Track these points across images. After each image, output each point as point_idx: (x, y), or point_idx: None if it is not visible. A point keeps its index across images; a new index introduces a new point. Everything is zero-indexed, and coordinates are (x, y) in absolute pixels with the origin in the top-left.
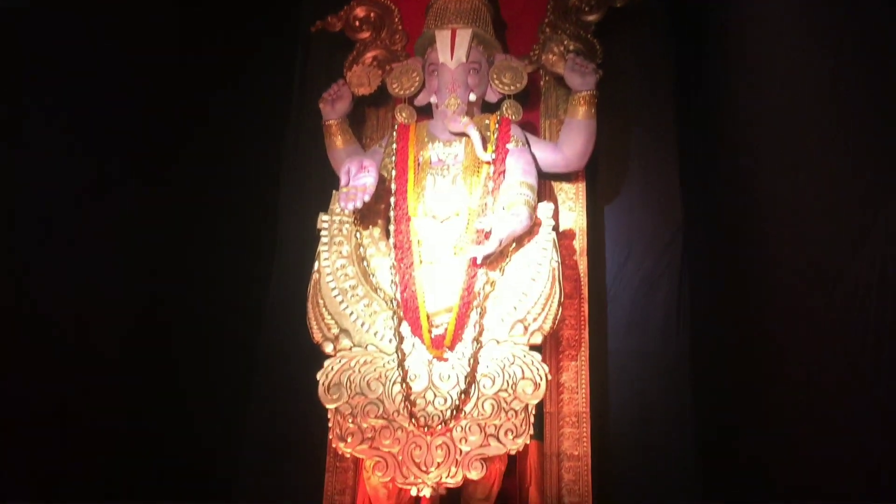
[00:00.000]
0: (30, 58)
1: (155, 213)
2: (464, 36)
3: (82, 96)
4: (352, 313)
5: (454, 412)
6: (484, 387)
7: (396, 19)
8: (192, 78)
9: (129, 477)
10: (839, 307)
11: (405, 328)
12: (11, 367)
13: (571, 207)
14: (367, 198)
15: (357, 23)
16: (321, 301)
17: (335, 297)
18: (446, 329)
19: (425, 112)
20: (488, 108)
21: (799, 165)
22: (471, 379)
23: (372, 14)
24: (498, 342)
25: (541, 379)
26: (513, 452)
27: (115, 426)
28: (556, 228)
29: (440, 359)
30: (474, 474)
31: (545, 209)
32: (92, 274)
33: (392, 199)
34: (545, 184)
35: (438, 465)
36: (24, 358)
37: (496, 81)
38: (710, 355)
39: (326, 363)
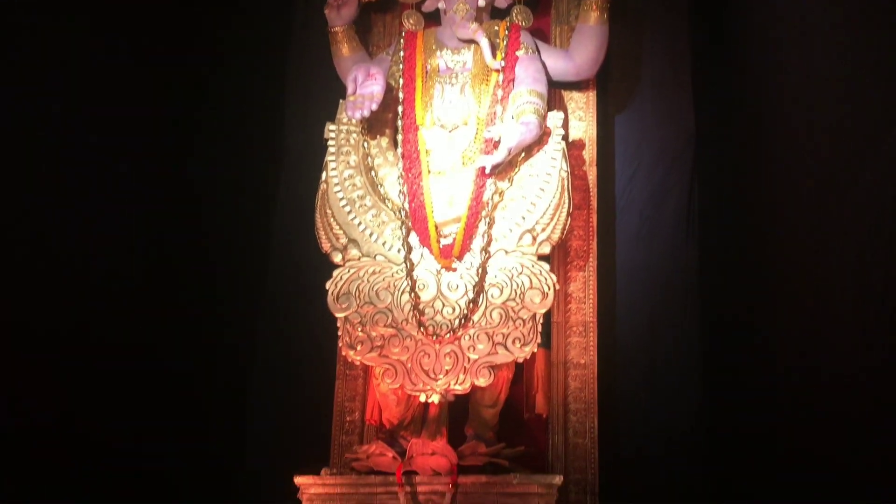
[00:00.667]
0: None
1: (159, 125)
2: None
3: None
4: (360, 223)
5: (462, 321)
6: (492, 296)
7: None
8: None
9: (137, 392)
10: (850, 215)
11: (413, 238)
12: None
13: (581, 117)
14: (374, 106)
15: None
16: (329, 211)
17: (343, 207)
18: (454, 239)
19: (433, 18)
20: (498, 14)
21: (813, 73)
22: (479, 288)
23: None
24: (506, 252)
25: (549, 289)
26: (520, 360)
27: (124, 344)
28: (565, 138)
29: (448, 269)
30: (482, 381)
31: (555, 118)
32: (93, 188)
33: (400, 109)
34: (555, 92)
35: (447, 372)
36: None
37: None
38: (719, 267)
39: (335, 273)
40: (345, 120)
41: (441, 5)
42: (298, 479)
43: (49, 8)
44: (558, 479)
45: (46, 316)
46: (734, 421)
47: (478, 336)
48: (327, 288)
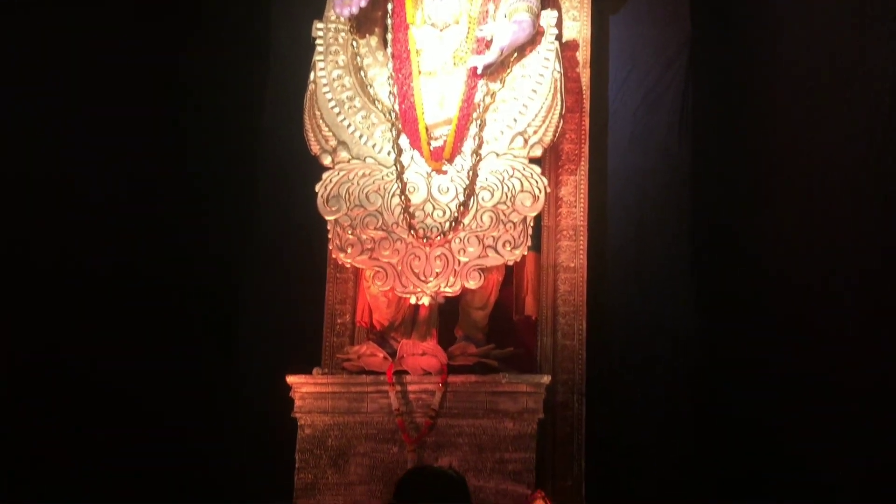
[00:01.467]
0: None
1: (145, 27)
2: None
3: None
4: (349, 125)
5: (453, 224)
6: (483, 199)
7: None
8: None
9: (127, 301)
10: (845, 116)
11: (404, 140)
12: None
13: (575, 16)
14: (363, 3)
15: None
16: (318, 113)
17: (332, 108)
18: (445, 141)
19: None
20: None
21: None
22: (469, 191)
23: None
24: (497, 155)
25: (539, 192)
26: (510, 263)
27: (113, 254)
28: (559, 38)
29: (439, 171)
30: (472, 284)
31: (548, 17)
32: (84, 97)
33: (389, 6)
34: None
35: (437, 274)
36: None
37: None
38: (711, 170)
39: (325, 175)
40: (333, 18)
41: None
42: (291, 379)
43: None
44: (546, 379)
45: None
46: (724, 322)
47: (468, 239)
48: (317, 191)
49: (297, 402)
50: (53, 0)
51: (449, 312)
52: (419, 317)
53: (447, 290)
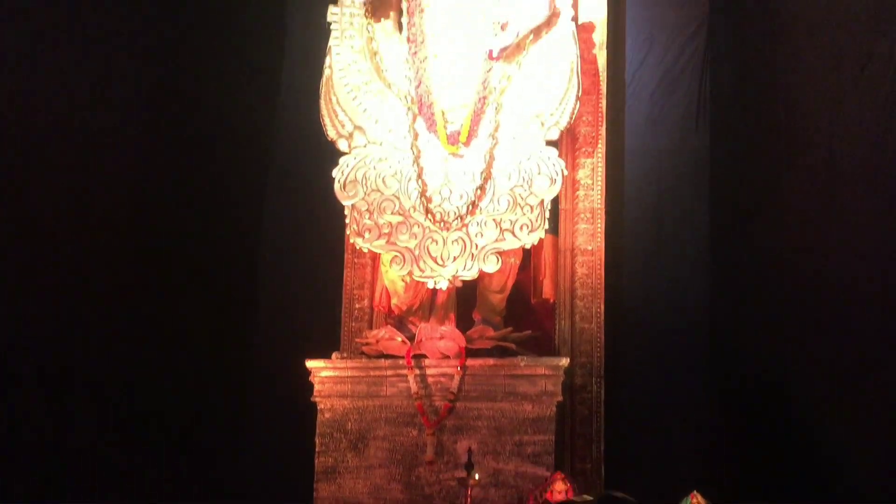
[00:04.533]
0: None
1: (159, 12)
2: None
3: None
4: (365, 110)
5: (470, 208)
6: (499, 183)
7: None
8: None
9: (151, 284)
10: (865, 87)
11: (420, 124)
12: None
13: None
14: None
15: None
16: (334, 98)
17: (348, 93)
18: (462, 125)
19: None
20: None
21: None
22: (486, 175)
23: None
24: (514, 138)
25: (556, 175)
26: (527, 246)
27: (139, 237)
28: (575, 20)
29: (456, 155)
30: (490, 267)
31: None
32: (99, 64)
33: None
34: None
35: (454, 258)
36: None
37: None
38: (729, 152)
39: (342, 160)
40: (348, 2)
41: None
42: (310, 363)
43: None
44: (565, 362)
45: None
46: (741, 304)
47: (485, 222)
48: (334, 176)
49: (317, 387)
50: None
51: (467, 296)
52: (437, 301)
53: (465, 274)
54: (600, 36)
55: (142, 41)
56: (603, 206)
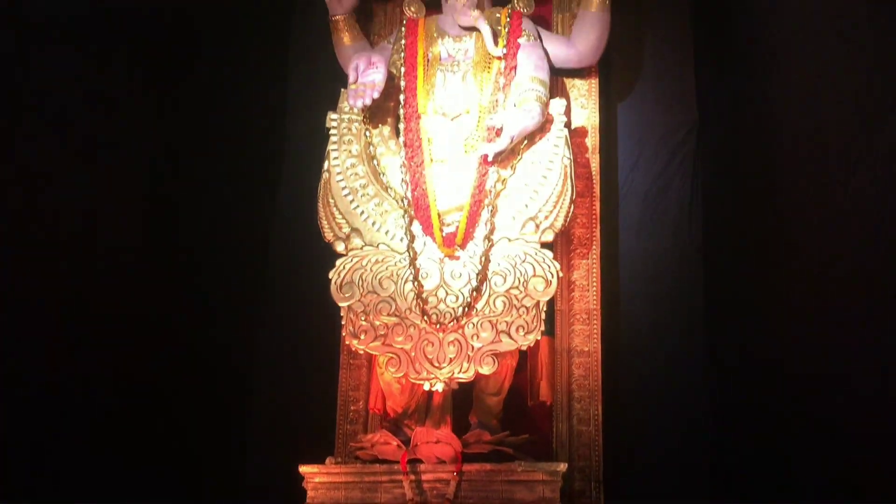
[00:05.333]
0: None
1: (161, 113)
2: None
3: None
4: (362, 212)
5: (466, 309)
6: (495, 284)
7: None
8: None
9: (139, 381)
10: (854, 198)
11: (416, 227)
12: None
13: (584, 104)
14: (375, 94)
15: None
16: (332, 200)
17: (346, 196)
18: (457, 227)
19: (434, 6)
20: (499, 1)
21: (815, 58)
22: (482, 276)
23: None
24: (509, 240)
25: (552, 276)
26: (524, 348)
27: (130, 333)
28: (568, 125)
29: (451, 257)
30: (486, 369)
31: (557, 105)
32: (98, 181)
33: (401, 97)
34: (557, 80)
35: (451, 360)
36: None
37: None
38: (722, 253)
39: (338, 262)
40: (346, 109)
41: None
42: (303, 469)
43: None
44: (562, 467)
45: (52, 290)
46: (739, 410)
47: (481, 324)
48: (330, 277)
49: (310, 493)
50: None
51: (463, 399)
52: (433, 403)
53: (461, 376)
54: (593, 140)
55: (141, 149)
56: (599, 307)
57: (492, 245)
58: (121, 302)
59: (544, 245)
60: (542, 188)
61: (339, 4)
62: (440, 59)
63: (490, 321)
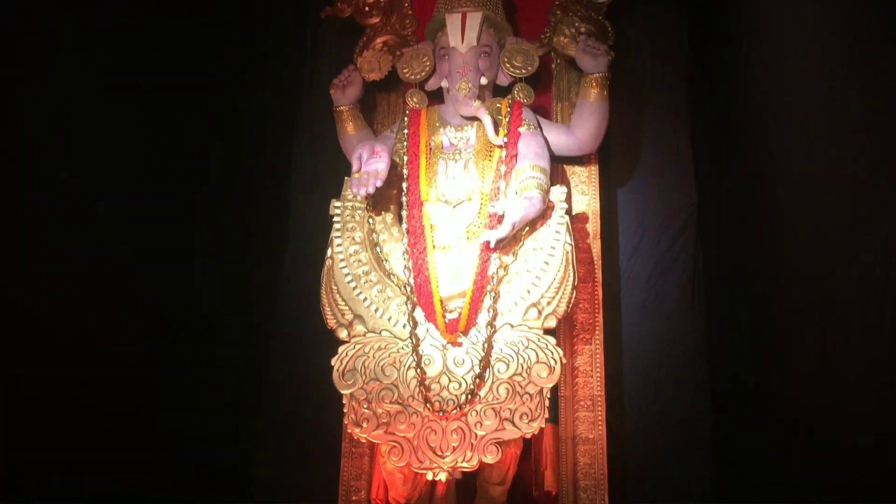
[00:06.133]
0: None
1: (166, 199)
2: (474, 19)
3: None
4: (365, 299)
5: (469, 396)
6: (498, 371)
7: (406, 4)
8: (200, 64)
9: (145, 468)
10: (856, 285)
11: (419, 313)
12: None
13: (584, 191)
14: (379, 183)
15: (367, 8)
16: (335, 287)
17: (349, 282)
18: (460, 314)
19: (436, 96)
20: (500, 91)
21: (814, 146)
22: (485, 363)
23: None
24: (512, 326)
25: (555, 363)
26: (528, 436)
27: (130, 419)
28: (569, 212)
29: (454, 343)
30: (490, 458)
31: (558, 192)
32: (99, 266)
33: (404, 185)
34: (557, 167)
35: (454, 449)
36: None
37: (507, 65)
38: (725, 337)
39: (341, 349)
40: (350, 196)
41: (444, 84)
42: None
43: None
44: None
45: (48, 394)
46: (747, 492)
47: (485, 412)
48: (332, 364)
49: None
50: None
51: (467, 488)
52: (436, 493)
53: (464, 465)
54: (594, 226)
55: (141, 238)
56: (603, 393)
57: (494, 331)
58: (122, 382)
59: (547, 331)
60: (544, 274)
61: (343, 95)
62: (442, 148)
63: (493, 408)
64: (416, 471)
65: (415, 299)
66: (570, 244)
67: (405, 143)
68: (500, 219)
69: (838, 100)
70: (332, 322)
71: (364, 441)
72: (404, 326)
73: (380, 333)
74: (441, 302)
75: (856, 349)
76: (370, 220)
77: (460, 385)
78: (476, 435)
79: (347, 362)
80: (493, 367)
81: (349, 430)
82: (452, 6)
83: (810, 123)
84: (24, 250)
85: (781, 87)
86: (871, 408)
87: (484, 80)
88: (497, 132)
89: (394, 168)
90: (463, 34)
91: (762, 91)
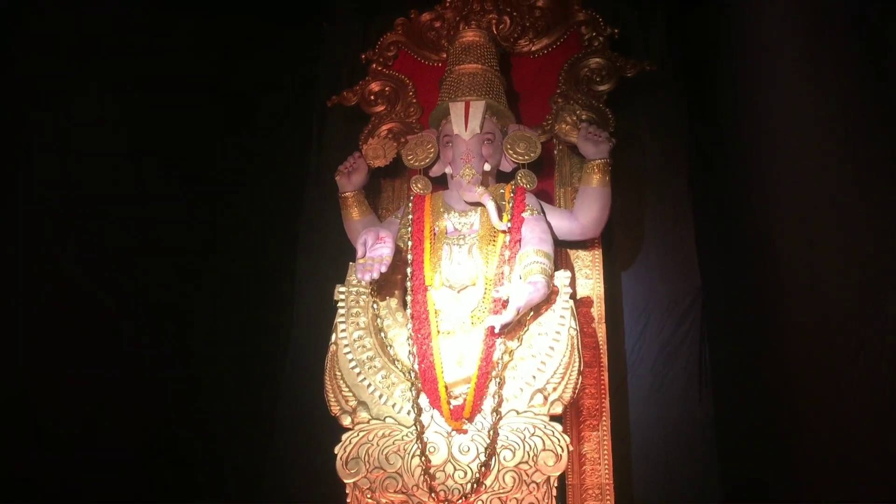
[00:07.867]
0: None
1: (167, 282)
2: (477, 107)
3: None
4: (369, 385)
5: (474, 485)
6: (504, 459)
7: (411, 93)
8: (207, 146)
9: None
10: (863, 368)
11: (423, 400)
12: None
13: (588, 275)
14: (383, 269)
15: (372, 97)
16: (338, 373)
17: (353, 368)
18: (465, 400)
19: (440, 182)
20: (503, 177)
21: (817, 229)
22: (491, 451)
23: (387, 88)
24: (518, 413)
25: (562, 450)
26: None
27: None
28: (573, 296)
29: (459, 431)
30: None
31: (562, 277)
32: (107, 350)
33: (409, 270)
34: (561, 252)
35: None
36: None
37: (510, 151)
38: (734, 421)
39: (344, 436)
40: (354, 282)
41: (448, 170)
42: None
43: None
44: None
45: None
46: None
47: (490, 501)
48: (336, 452)
49: None
50: None
51: None
52: None
53: None
54: (598, 310)
55: (146, 317)
56: (611, 481)
57: (500, 418)
58: (126, 465)
59: (553, 417)
60: (549, 360)
61: (348, 182)
62: (446, 233)
63: (500, 497)
64: None
65: (419, 385)
66: (575, 329)
67: (409, 229)
68: (505, 304)
69: (842, 181)
70: (335, 409)
71: None
72: (408, 413)
73: (384, 420)
74: (446, 388)
75: (866, 428)
76: (374, 306)
77: (466, 474)
78: None
79: (351, 450)
80: (498, 455)
81: None
82: (456, 95)
83: (814, 207)
84: (23, 337)
85: (783, 169)
86: (887, 497)
87: (487, 167)
88: (501, 217)
89: (398, 253)
90: (466, 122)
91: (764, 173)
